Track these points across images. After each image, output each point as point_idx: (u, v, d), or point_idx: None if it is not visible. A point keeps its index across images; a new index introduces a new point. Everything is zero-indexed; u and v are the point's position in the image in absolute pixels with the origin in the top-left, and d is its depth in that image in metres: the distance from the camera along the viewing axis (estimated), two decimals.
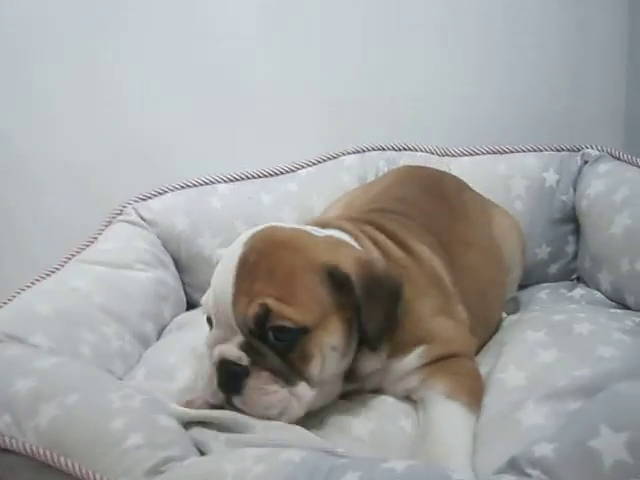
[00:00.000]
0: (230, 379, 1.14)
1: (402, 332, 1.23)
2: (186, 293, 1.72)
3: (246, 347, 1.14)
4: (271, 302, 1.11)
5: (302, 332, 1.13)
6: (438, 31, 1.95)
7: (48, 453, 1.06)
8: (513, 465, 0.96)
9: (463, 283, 1.38)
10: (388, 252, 1.31)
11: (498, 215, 1.61)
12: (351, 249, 1.23)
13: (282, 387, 1.13)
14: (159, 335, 1.58)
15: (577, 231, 1.72)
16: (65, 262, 1.54)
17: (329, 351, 1.15)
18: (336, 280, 1.15)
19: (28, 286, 1.45)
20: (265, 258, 1.15)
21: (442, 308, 1.29)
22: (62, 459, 1.05)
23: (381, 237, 1.33)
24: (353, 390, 1.27)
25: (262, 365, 1.13)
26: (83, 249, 1.58)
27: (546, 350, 1.27)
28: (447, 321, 1.28)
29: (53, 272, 1.50)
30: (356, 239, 1.29)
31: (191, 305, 1.72)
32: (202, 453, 1.13)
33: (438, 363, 1.23)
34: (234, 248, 1.19)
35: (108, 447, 1.05)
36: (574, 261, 1.74)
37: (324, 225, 1.32)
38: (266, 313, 1.11)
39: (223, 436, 1.13)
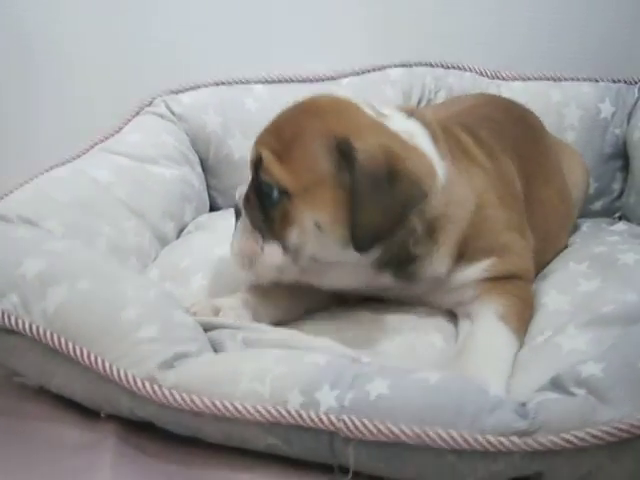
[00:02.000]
0: (236, 218, 1.19)
1: (475, 239, 1.19)
2: (210, 196, 1.67)
3: (247, 193, 1.16)
4: (266, 154, 1.11)
5: (284, 193, 1.10)
6: None
7: (55, 337, 1.02)
8: (556, 384, 0.91)
9: (536, 213, 1.34)
10: (470, 153, 1.24)
11: (567, 151, 1.57)
12: (389, 136, 1.12)
13: (255, 239, 1.14)
14: (178, 236, 1.53)
15: (625, 169, 1.67)
16: (87, 150, 1.48)
17: (311, 225, 1.09)
18: (344, 157, 1.07)
19: (47, 170, 1.39)
20: (289, 118, 1.16)
21: (518, 225, 1.25)
22: (70, 344, 1.01)
23: (467, 139, 1.27)
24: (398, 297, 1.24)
25: (248, 213, 1.15)
26: (107, 138, 1.52)
27: (590, 280, 1.22)
28: (520, 239, 1.24)
29: (74, 158, 1.45)
30: (432, 135, 1.18)
31: (213, 209, 1.67)
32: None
33: (500, 281, 1.20)
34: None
35: (119, 336, 1.01)
36: (619, 199, 1.70)
37: (409, 113, 1.22)
38: (259, 163, 1.12)
39: (240, 334, 1.08)
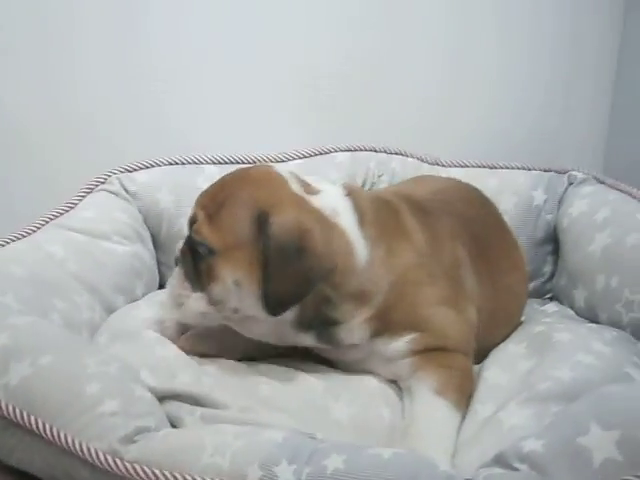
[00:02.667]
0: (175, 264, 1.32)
1: (395, 313, 1.24)
2: (160, 272, 1.69)
3: (183, 246, 1.28)
4: (200, 214, 1.23)
5: (210, 251, 1.20)
6: (441, 39, 1.96)
7: (18, 411, 1.04)
8: (500, 460, 0.95)
9: (502, 297, 1.41)
10: (406, 232, 1.30)
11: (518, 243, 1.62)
12: (308, 213, 1.20)
13: (185, 287, 1.25)
14: None
15: (555, 252, 1.74)
16: (42, 225, 1.49)
17: (230, 282, 1.19)
18: (263, 227, 1.16)
19: (1, 245, 1.40)
20: (226, 183, 1.27)
21: (448, 300, 1.28)
22: (32, 418, 1.03)
23: (409, 218, 1.32)
24: (338, 362, 1.31)
25: (182, 264, 1.27)
26: (61, 214, 1.54)
27: (528, 360, 1.28)
28: (449, 313, 1.27)
29: (28, 233, 1.46)
30: (360, 215, 1.26)
31: (163, 285, 1.68)
32: (174, 427, 1.11)
33: (431, 354, 1.23)
34: None
35: (82, 410, 1.02)
36: (549, 282, 1.76)
37: (348, 191, 1.30)
38: (193, 221, 1.24)
39: (199, 411, 1.13)
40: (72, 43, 1.83)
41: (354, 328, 1.24)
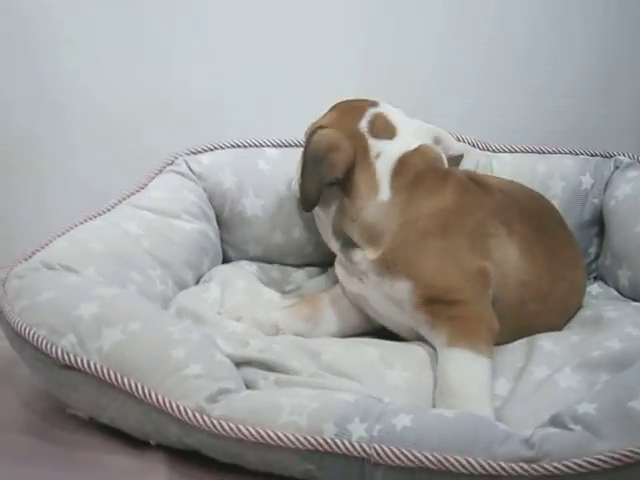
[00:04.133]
0: None
1: (397, 257, 1.33)
2: (223, 250, 1.76)
3: None
4: None
5: None
6: (485, 22, 2.00)
7: (112, 372, 1.12)
8: (555, 421, 1.01)
9: (561, 290, 1.46)
10: (442, 189, 1.40)
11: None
12: (344, 137, 1.41)
13: None
14: (197, 284, 1.63)
15: (601, 234, 1.79)
16: (116, 204, 1.58)
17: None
18: None
19: (80, 222, 1.49)
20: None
21: (455, 252, 1.33)
22: (125, 379, 1.11)
23: (451, 183, 1.42)
24: (374, 312, 1.43)
25: None
26: (133, 193, 1.62)
27: (579, 335, 1.36)
28: (450, 264, 1.31)
29: (104, 212, 1.55)
30: (398, 169, 1.41)
31: (227, 261, 1.77)
32: None
33: (435, 307, 1.28)
34: None
35: (169, 373, 1.11)
36: (594, 262, 1.80)
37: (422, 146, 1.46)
38: None
39: (273, 376, 1.21)
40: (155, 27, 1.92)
41: (365, 258, 1.36)
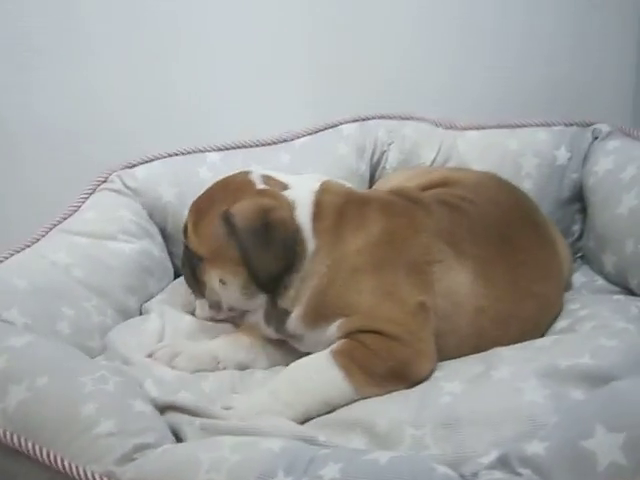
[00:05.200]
0: None
1: (327, 298, 1.25)
2: (173, 264, 1.67)
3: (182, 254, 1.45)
4: (189, 224, 1.38)
5: (199, 259, 1.35)
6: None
7: (15, 437, 1.03)
8: (504, 462, 0.92)
9: (528, 305, 1.33)
10: (365, 221, 1.30)
11: (560, 239, 1.55)
12: (262, 199, 1.31)
13: (189, 293, 1.44)
14: (141, 308, 1.54)
15: (584, 210, 1.67)
16: (45, 232, 1.48)
17: (219, 284, 1.33)
18: (229, 224, 1.28)
19: (5, 257, 1.39)
20: (209, 191, 1.40)
21: (390, 289, 1.23)
22: (30, 444, 1.03)
23: (373, 213, 1.31)
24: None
25: (183, 271, 1.46)
26: (65, 218, 1.52)
27: (548, 342, 1.24)
28: (385, 301, 1.22)
29: (33, 242, 1.45)
30: (316, 212, 1.31)
31: (178, 275, 1.66)
32: (178, 438, 1.10)
33: (358, 334, 1.21)
34: None
35: (77, 433, 1.02)
36: (579, 241, 1.69)
37: (321, 188, 1.37)
38: (184, 231, 1.40)
39: (198, 421, 1.12)
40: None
41: (297, 317, 1.28)
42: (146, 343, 1.36)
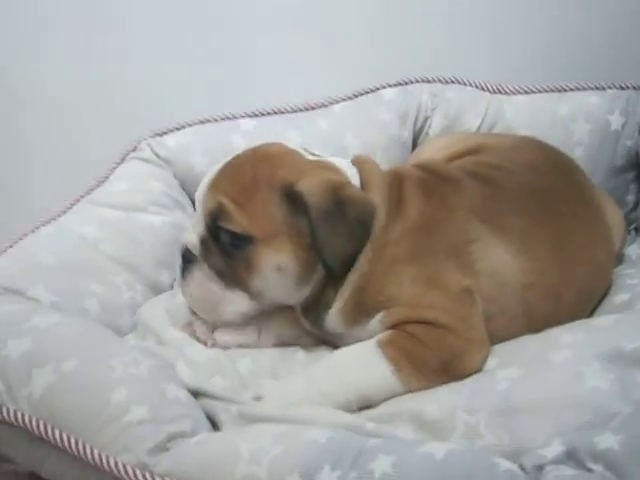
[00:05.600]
0: (184, 264, 1.22)
1: (367, 294, 1.18)
2: None
3: (202, 239, 1.20)
4: (226, 202, 1.16)
5: (247, 241, 1.16)
6: None
7: (42, 424, 0.98)
8: (572, 456, 0.86)
9: (578, 269, 1.25)
10: (401, 205, 1.22)
11: (610, 204, 1.46)
12: (326, 173, 1.20)
13: (220, 288, 1.19)
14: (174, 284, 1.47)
15: (639, 179, 1.61)
16: (73, 204, 1.43)
17: (273, 269, 1.17)
18: (294, 201, 1.15)
19: (31, 230, 1.35)
20: (242, 165, 1.21)
21: (431, 277, 1.16)
22: (57, 432, 0.97)
23: (409, 194, 1.24)
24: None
25: (209, 261, 1.19)
26: (93, 189, 1.47)
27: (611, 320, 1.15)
28: (427, 290, 1.15)
29: (60, 215, 1.40)
30: (361, 174, 1.25)
31: None
32: (214, 425, 1.05)
33: (405, 324, 1.14)
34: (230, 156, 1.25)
35: (107, 421, 0.97)
36: (634, 211, 1.62)
37: (358, 160, 1.30)
38: (219, 211, 1.17)
39: (234, 407, 1.06)
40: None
41: (336, 314, 1.20)
42: (180, 317, 1.29)
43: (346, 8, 1.80)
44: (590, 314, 1.28)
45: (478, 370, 1.11)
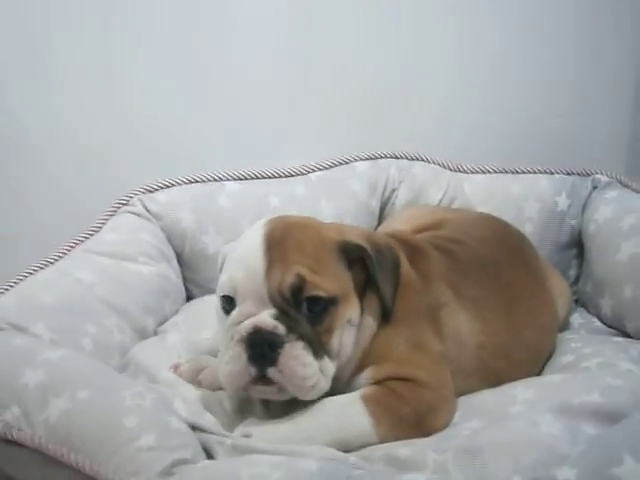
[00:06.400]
0: (265, 349, 1.13)
1: (358, 352, 1.23)
2: (186, 289, 1.71)
3: (280, 317, 1.14)
4: (305, 272, 1.15)
5: (332, 303, 1.17)
6: (454, 46, 1.96)
7: (57, 448, 1.04)
8: None
9: (525, 334, 1.37)
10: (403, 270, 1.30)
11: (555, 275, 1.60)
12: (354, 229, 1.30)
13: (309, 363, 1.15)
14: (156, 330, 1.56)
15: (580, 255, 1.75)
16: (68, 250, 1.51)
17: (347, 325, 1.20)
18: (349, 256, 1.21)
19: (30, 273, 1.41)
20: (290, 235, 1.20)
21: (417, 339, 1.25)
22: (72, 455, 1.03)
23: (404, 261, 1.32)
24: None
25: (296, 335, 1.14)
26: (87, 238, 1.55)
27: (559, 379, 1.27)
28: (414, 350, 1.24)
29: (56, 260, 1.47)
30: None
31: (191, 298, 1.71)
32: (209, 456, 1.11)
33: (390, 381, 1.21)
34: (254, 231, 1.22)
35: (120, 445, 1.03)
36: (575, 285, 1.76)
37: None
38: (301, 283, 1.15)
39: (229, 441, 1.12)
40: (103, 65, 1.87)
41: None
42: (168, 360, 1.36)
43: (332, 87, 1.94)
44: (539, 372, 1.39)
45: (447, 426, 1.19)
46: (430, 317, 1.28)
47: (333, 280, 1.18)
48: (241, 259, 1.19)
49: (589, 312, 1.67)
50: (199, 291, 1.71)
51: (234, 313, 1.17)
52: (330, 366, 1.18)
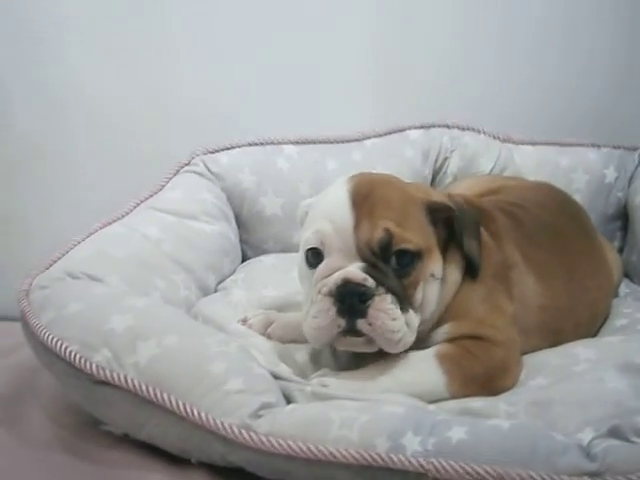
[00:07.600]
0: (355, 301, 1.13)
1: (441, 307, 1.25)
2: (242, 250, 1.74)
3: (369, 270, 1.15)
4: (392, 227, 1.16)
5: (418, 257, 1.18)
6: (507, 23, 1.98)
7: (150, 388, 1.08)
8: (616, 433, 0.98)
9: (583, 298, 1.40)
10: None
11: (607, 244, 1.63)
12: (433, 189, 1.31)
13: (398, 314, 1.15)
14: (217, 288, 1.59)
15: (625, 227, 1.79)
16: (133, 207, 1.54)
17: (430, 278, 1.21)
18: (435, 216, 1.23)
19: (96, 229, 1.44)
20: (375, 190, 1.20)
21: (490, 297, 1.28)
22: (165, 395, 1.07)
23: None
24: None
25: (385, 288, 1.15)
26: (151, 196, 1.58)
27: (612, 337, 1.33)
28: (489, 309, 1.26)
29: (122, 216, 1.50)
30: None
31: (245, 259, 1.74)
32: (289, 402, 1.13)
33: (463, 340, 1.22)
34: (337, 187, 1.23)
35: (209, 389, 1.07)
36: (620, 256, 1.77)
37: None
38: (390, 237, 1.15)
39: (309, 388, 1.15)
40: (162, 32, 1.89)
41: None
42: (234, 314, 1.39)
43: (387, 57, 1.96)
44: (595, 334, 1.43)
45: (514, 386, 1.21)
46: (503, 277, 1.30)
47: (419, 234, 1.19)
48: (327, 214, 1.19)
49: (633, 282, 1.71)
50: (253, 252, 1.74)
51: (322, 266, 1.18)
52: (415, 320, 1.18)
